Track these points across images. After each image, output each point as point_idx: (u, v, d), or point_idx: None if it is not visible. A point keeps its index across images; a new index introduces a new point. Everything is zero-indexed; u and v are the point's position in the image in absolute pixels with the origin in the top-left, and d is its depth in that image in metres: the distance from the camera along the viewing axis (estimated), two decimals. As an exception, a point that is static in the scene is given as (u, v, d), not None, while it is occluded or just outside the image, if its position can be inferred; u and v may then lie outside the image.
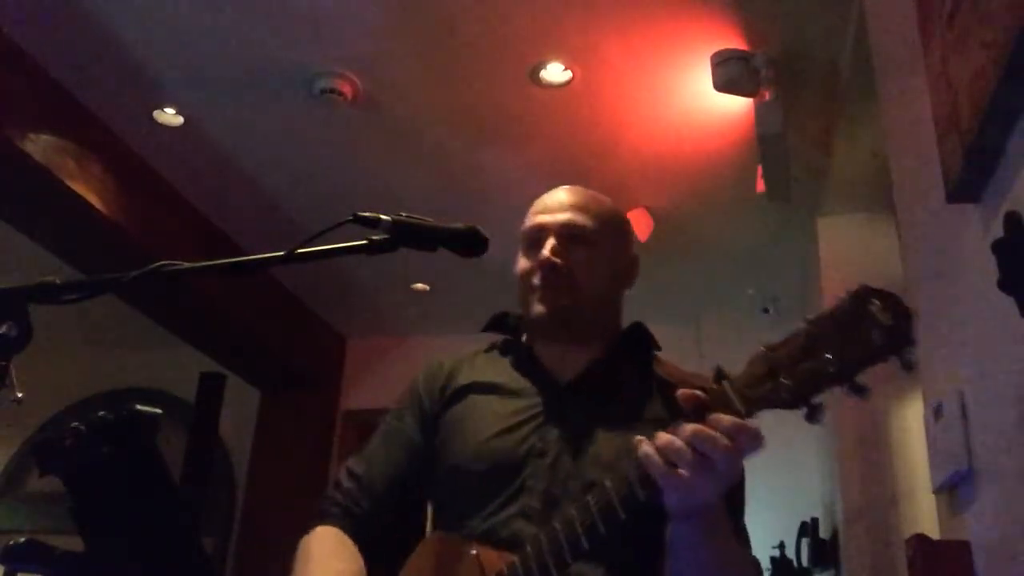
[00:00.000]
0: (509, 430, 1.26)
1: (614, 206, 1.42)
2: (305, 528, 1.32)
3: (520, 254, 1.39)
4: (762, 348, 0.94)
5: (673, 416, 1.21)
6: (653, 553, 1.14)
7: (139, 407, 0.79)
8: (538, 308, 1.30)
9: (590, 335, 1.34)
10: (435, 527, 1.30)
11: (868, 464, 3.14)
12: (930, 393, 1.68)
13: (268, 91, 3.11)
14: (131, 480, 0.79)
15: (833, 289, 3.37)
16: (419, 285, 4.52)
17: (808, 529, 3.64)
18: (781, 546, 3.67)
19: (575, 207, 1.36)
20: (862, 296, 0.89)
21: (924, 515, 2.64)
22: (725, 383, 0.96)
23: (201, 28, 2.83)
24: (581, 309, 1.30)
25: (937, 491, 1.65)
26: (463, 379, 1.36)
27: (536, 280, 1.31)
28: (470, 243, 1.23)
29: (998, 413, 1.33)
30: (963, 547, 1.45)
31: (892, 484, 3.05)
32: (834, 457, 3.34)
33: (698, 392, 0.97)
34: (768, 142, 2.83)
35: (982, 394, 1.40)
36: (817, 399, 0.91)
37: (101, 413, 0.78)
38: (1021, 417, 1.24)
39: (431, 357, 1.46)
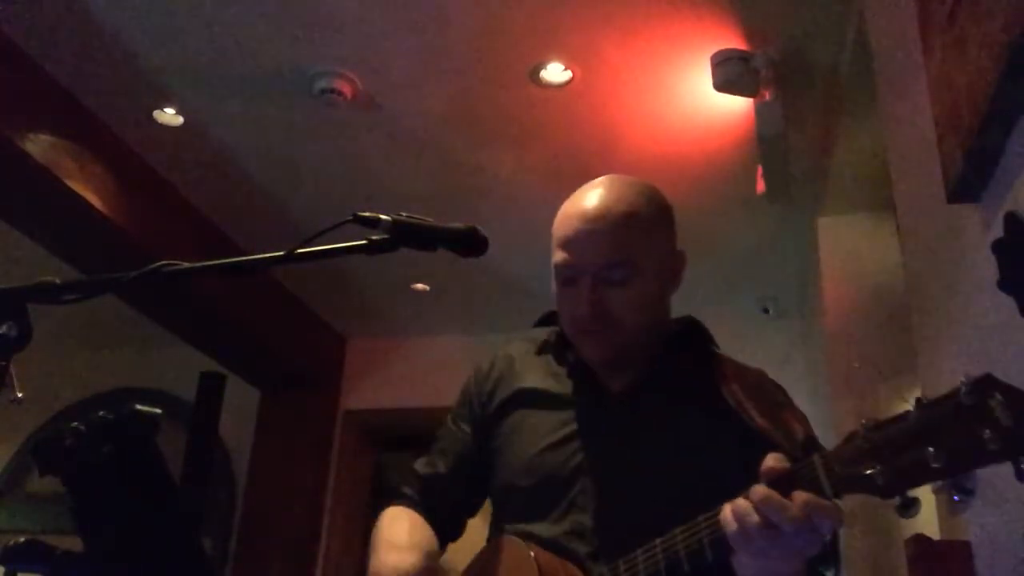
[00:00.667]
0: (557, 444, 1.25)
1: (652, 197, 1.32)
2: (376, 511, 1.38)
3: (554, 282, 1.30)
4: (863, 425, 0.87)
5: (724, 423, 1.18)
6: None
7: (139, 407, 0.79)
8: (589, 352, 1.28)
9: (637, 356, 1.29)
10: (490, 534, 1.32)
11: (868, 464, 3.14)
12: (930, 393, 1.68)
13: (268, 91, 3.11)
14: (131, 480, 0.79)
15: (833, 289, 3.37)
16: (419, 285, 4.52)
17: (808, 529, 3.63)
18: (781, 546, 3.66)
19: (609, 241, 1.23)
20: (984, 386, 0.79)
21: (924, 515, 2.64)
22: (816, 459, 0.90)
23: (201, 28, 2.83)
24: (630, 345, 1.26)
25: (937, 491, 1.65)
26: (515, 384, 1.35)
27: (579, 321, 1.25)
28: (470, 243, 1.23)
29: (998, 413, 1.32)
30: (963, 547, 1.45)
31: (892, 484, 3.04)
32: (834, 457, 3.33)
33: (782, 462, 0.92)
34: (768, 142, 2.83)
35: (982, 394, 1.40)
36: (913, 493, 0.84)
37: (101, 413, 0.78)
38: (1021, 417, 1.23)
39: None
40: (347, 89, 3.04)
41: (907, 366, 2.04)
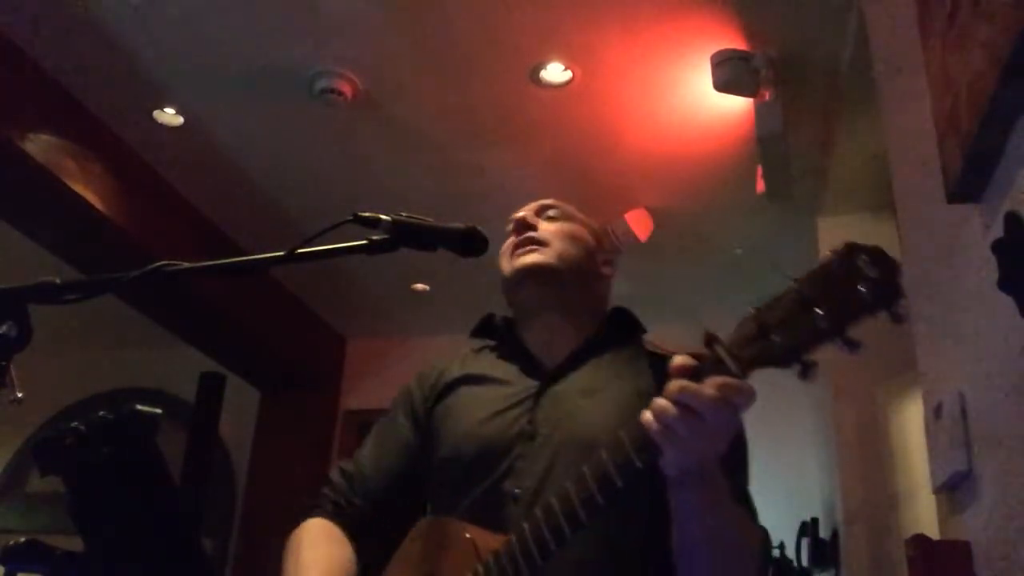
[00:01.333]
0: (498, 414, 1.28)
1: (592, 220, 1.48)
2: (295, 522, 1.34)
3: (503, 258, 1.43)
4: (751, 309, 0.95)
5: (659, 386, 1.24)
6: (648, 527, 1.15)
7: (139, 407, 0.79)
8: (517, 261, 1.35)
9: (570, 309, 1.36)
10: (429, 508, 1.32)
11: (868, 464, 3.14)
12: (930, 393, 1.68)
13: (268, 91, 3.11)
14: (131, 480, 0.79)
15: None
16: (419, 285, 4.52)
17: (808, 529, 3.64)
18: (781, 546, 3.67)
19: (551, 199, 1.44)
20: (849, 252, 0.90)
21: (924, 515, 2.64)
22: (716, 346, 0.96)
23: (201, 28, 2.83)
24: (557, 271, 1.34)
25: (937, 491, 1.65)
26: (454, 373, 1.39)
27: (511, 241, 1.37)
28: (470, 243, 1.23)
29: (998, 413, 1.33)
30: (963, 547, 1.45)
31: (892, 484, 3.05)
32: (834, 457, 3.34)
33: (689, 359, 0.97)
34: (768, 142, 2.83)
35: (982, 394, 1.40)
36: (810, 356, 0.90)
37: (101, 413, 0.78)
38: (1021, 417, 1.24)
39: (431, 358, 1.48)
40: (347, 89, 3.04)
41: (907, 366, 2.04)
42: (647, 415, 0.97)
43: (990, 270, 1.22)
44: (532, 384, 1.31)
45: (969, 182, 1.36)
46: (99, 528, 0.80)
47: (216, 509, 4.84)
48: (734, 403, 0.93)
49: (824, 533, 3.61)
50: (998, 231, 1.22)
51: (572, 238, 1.38)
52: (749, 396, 0.94)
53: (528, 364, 1.35)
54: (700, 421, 0.93)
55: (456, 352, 1.47)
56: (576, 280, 1.36)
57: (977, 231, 1.38)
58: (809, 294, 0.91)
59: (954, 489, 1.56)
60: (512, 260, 1.36)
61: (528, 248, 1.35)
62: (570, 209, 1.44)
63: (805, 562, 3.62)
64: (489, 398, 1.31)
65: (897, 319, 0.87)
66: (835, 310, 0.88)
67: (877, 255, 0.89)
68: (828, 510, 3.68)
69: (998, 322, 1.28)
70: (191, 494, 4.01)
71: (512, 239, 1.38)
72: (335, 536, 1.29)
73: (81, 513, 0.80)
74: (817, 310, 0.89)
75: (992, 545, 1.37)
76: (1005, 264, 1.19)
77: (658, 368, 1.26)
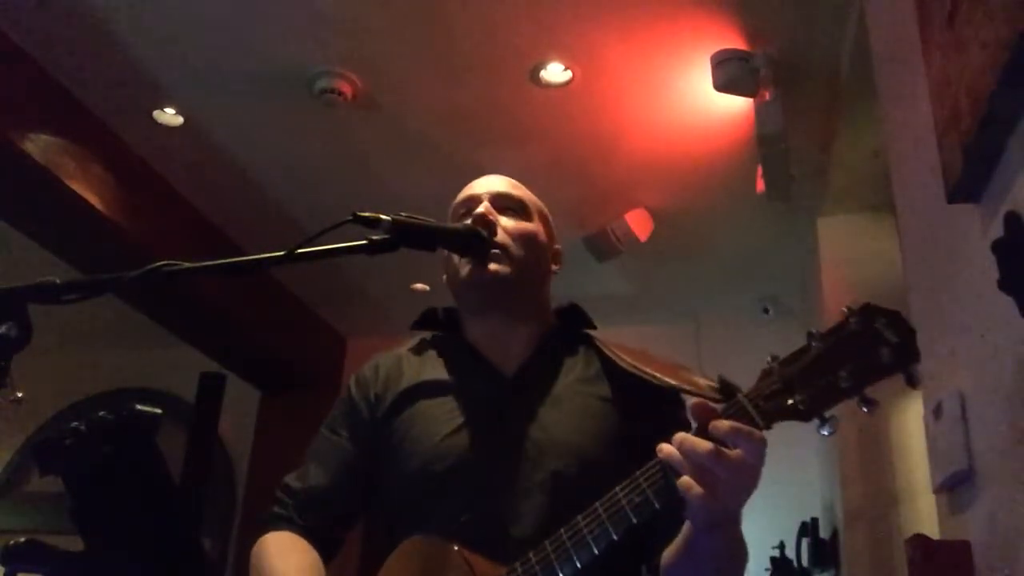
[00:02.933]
0: (464, 427, 1.24)
1: (541, 204, 1.44)
2: (252, 541, 1.30)
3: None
4: (772, 363, 0.98)
5: (625, 399, 1.24)
6: (647, 551, 1.15)
7: (139, 407, 0.79)
8: (468, 270, 1.29)
9: (523, 312, 1.34)
10: (386, 535, 1.25)
11: (868, 464, 3.14)
12: (930, 393, 1.68)
13: (268, 91, 3.11)
14: (131, 480, 0.79)
15: (833, 289, 3.37)
16: (419, 285, 4.52)
17: (808, 529, 3.64)
18: (781, 546, 3.67)
19: (506, 184, 1.40)
20: (868, 314, 0.95)
21: (924, 515, 2.64)
22: (740, 397, 0.98)
23: (201, 28, 2.83)
24: (514, 282, 1.30)
25: (937, 491, 1.65)
26: (405, 382, 1.33)
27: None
28: (470, 243, 1.23)
29: (998, 413, 1.33)
30: (963, 547, 1.45)
31: (892, 484, 3.05)
32: (834, 457, 3.34)
33: (712, 406, 0.97)
34: (768, 142, 2.83)
35: (982, 394, 1.40)
36: (830, 412, 0.95)
37: (101, 413, 0.78)
38: (1021, 417, 1.24)
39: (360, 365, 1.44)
40: (347, 89, 3.04)
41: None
42: (669, 449, 0.96)
43: (990, 270, 1.22)
44: (490, 391, 1.28)
45: (969, 182, 1.36)
46: (99, 528, 0.80)
47: (216, 509, 4.84)
48: (761, 457, 0.94)
49: (824, 533, 3.61)
50: (998, 231, 1.22)
51: (530, 241, 1.34)
52: (762, 447, 0.95)
53: (483, 369, 1.31)
54: (727, 460, 0.93)
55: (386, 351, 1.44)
56: (529, 283, 1.34)
57: (977, 231, 1.38)
58: (831, 353, 0.96)
59: (954, 489, 1.56)
60: (471, 266, 1.30)
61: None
62: (525, 197, 1.39)
63: (805, 562, 3.62)
64: (449, 408, 1.26)
65: (912, 382, 0.94)
66: (856, 371, 0.94)
67: (895, 319, 0.95)
68: (828, 510, 3.68)
69: (998, 322, 1.28)
70: (191, 494, 4.00)
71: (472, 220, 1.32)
72: (302, 546, 1.25)
73: (81, 513, 0.80)
74: (840, 371, 0.94)
75: (992, 545, 1.37)
76: (1005, 264, 1.19)
77: (613, 371, 1.27)
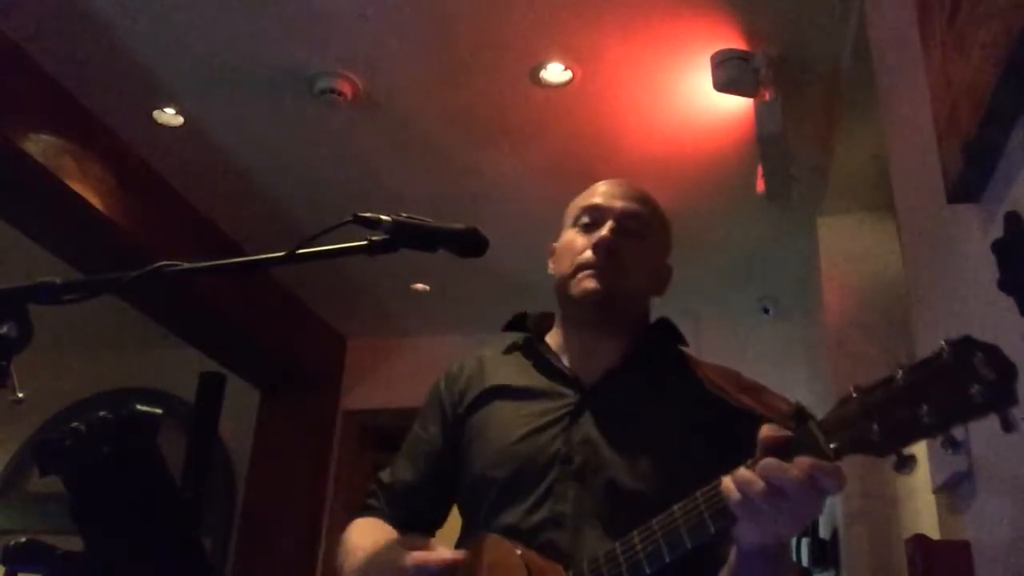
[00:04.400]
0: (534, 433, 1.24)
1: (664, 212, 1.42)
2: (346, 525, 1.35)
3: (569, 228, 1.38)
4: (854, 389, 0.91)
5: (705, 421, 1.21)
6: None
7: (139, 407, 0.80)
8: (589, 284, 1.28)
9: (617, 327, 1.33)
10: (463, 528, 1.30)
11: (868, 464, 3.14)
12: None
13: (268, 91, 3.11)
14: (131, 480, 0.79)
15: (833, 289, 3.37)
16: (419, 285, 4.52)
17: (808, 529, 3.64)
18: (781, 546, 3.66)
19: (636, 199, 1.38)
20: (965, 347, 0.86)
21: (924, 515, 2.64)
22: (812, 425, 0.93)
23: (201, 28, 2.83)
24: (625, 298, 1.31)
25: (937, 491, 1.65)
26: (486, 382, 1.35)
27: (588, 257, 1.30)
28: (470, 243, 1.23)
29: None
30: (963, 547, 1.45)
31: (892, 484, 3.05)
32: (834, 457, 3.33)
33: (784, 432, 0.94)
34: (768, 142, 2.83)
35: (982, 394, 1.40)
36: (908, 449, 0.88)
37: (101, 413, 0.79)
38: (1021, 417, 1.23)
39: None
40: (347, 89, 3.04)
41: (907, 366, 2.04)
42: (728, 483, 0.93)
43: (990, 270, 1.22)
44: (568, 399, 1.27)
45: (969, 182, 1.36)
46: (99, 528, 0.80)
47: (216, 509, 4.84)
48: (824, 488, 0.90)
49: (824, 533, 3.61)
50: (998, 231, 1.22)
51: (646, 268, 1.34)
52: (841, 482, 0.90)
53: (564, 378, 1.31)
54: (784, 501, 0.89)
55: (458, 351, 1.46)
56: (630, 300, 1.34)
57: (977, 231, 1.38)
58: (918, 385, 0.87)
59: (954, 489, 1.56)
60: (585, 281, 1.29)
61: (603, 270, 1.29)
62: (651, 216, 1.37)
63: (805, 562, 3.62)
64: (524, 414, 1.27)
65: (1008, 427, 0.83)
66: (943, 408, 0.85)
67: (994, 355, 0.85)
68: (828, 510, 3.68)
69: (998, 322, 1.28)
70: (191, 494, 4.00)
71: (589, 255, 1.30)
72: (387, 528, 1.30)
73: (81, 513, 0.80)
74: (925, 405, 0.86)
75: (992, 545, 1.37)
76: (1005, 264, 1.19)
77: (697, 393, 1.25)
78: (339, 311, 4.95)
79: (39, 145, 3.06)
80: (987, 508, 1.39)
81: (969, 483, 1.46)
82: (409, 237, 1.11)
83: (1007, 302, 1.18)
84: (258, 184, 3.73)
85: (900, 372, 0.88)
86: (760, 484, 0.90)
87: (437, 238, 1.19)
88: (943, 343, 0.87)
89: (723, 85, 2.81)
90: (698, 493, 0.99)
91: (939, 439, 0.86)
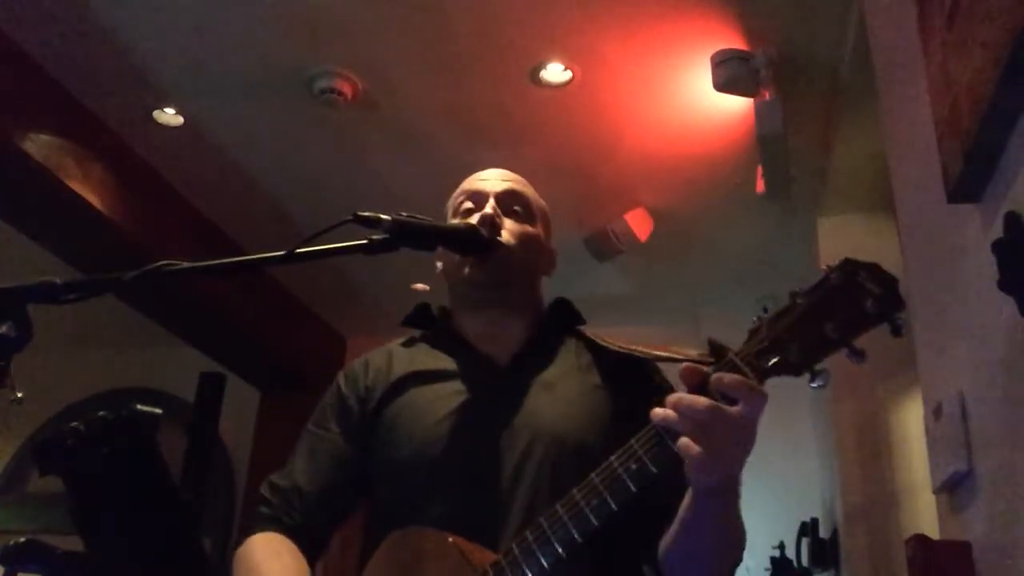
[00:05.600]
0: (456, 412, 1.24)
1: (541, 200, 1.47)
2: (238, 542, 1.28)
3: (451, 219, 1.40)
4: (759, 320, 1.00)
5: (616, 383, 1.26)
6: (644, 528, 1.15)
7: (139, 407, 0.80)
8: (470, 271, 1.30)
9: (513, 306, 1.35)
10: (377, 525, 1.24)
11: (868, 464, 3.14)
12: (930, 393, 1.68)
13: (268, 91, 3.11)
14: (131, 480, 0.79)
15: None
16: (419, 285, 4.52)
17: (808, 529, 3.64)
18: (781, 546, 3.67)
19: (515, 180, 1.44)
20: (849, 268, 0.96)
21: (924, 515, 2.64)
22: (731, 355, 0.98)
23: (201, 28, 2.83)
24: (514, 275, 1.33)
25: (937, 491, 1.65)
26: (395, 374, 1.33)
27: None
28: (470, 243, 1.24)
29: (998, 413, 1.33)
30: (963, 547, 1.45)
31: (892, 484, 3.05)
32: (834, 457, 3.34)
33: (702, 367, 0.98)
34: (768, 142, 2.83)
35: (982, 394, 1.40)
36: (820, 365, 0.97)
37: (101, 413, 0.79)
38: (1021, 417, 1.24)
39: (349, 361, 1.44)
40: (347, 89, 3.04)
41: (907, 366, 2.04)
42: (663, 412, 0.96)
43: (990, 270, 1.22)
44: (484, 379, 1.28)
45: (969, 182, 1.36)
46: (99, 528, 0.80)
47: (216, 509, 4.84)
48: (733, 396, 0.94)
49: (824, 533, 3.61)
50: (998, 231, 1.22)
51: (531, 245, 1.36)
52: (763, 400, 0.95)
53: (472, 357, 1.31)
54: (724, 414, 0.93)
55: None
56: (526, 283, 1.37)
57: (977, 231, 1.38)
58: (816, 308, 0.97)
59: (954, 489, 1.56)
60: (472, 266, 1.31)
61: (489, 255, 1.30)
62: (530, 197, 1.42)
63: (805, 562, 3.62)
64: (442, 395, 1.26)
65: (897, 331, 0.94)
66: (843, 323, 0.95)
67: (875, 270, 0.96)
68: (828, 510, 3.68)
69: (998, 322, 1.28)
70: (191, 494, 4.00)
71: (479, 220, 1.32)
72: (288, 549, 1.23)
73: (81, 513, 0.80)
74: (827, 324, 0.95)
75: (992, 545, 1.37)
76: (1005, 264, 1.19)
77: (603, 361, 1.30)
78: (339, 311, 4.95)
79: (39, 145, 3.06)
80: (987, 508, 1.39)
81: (969, 483, 1.46)
82: (409, 236, 1.12)
83: (1007, 302, 1.18)
84: (258, 184, 3.73)
85: (797, 299, 0.98)
86: (704, 400, 0.94)
87: (437, 238, 1.19)
88: (826, 267, 0.98)
89: (723, 85, 2.81)
90: (632, 440, 1.00)
91: (844, 351, 0.95)
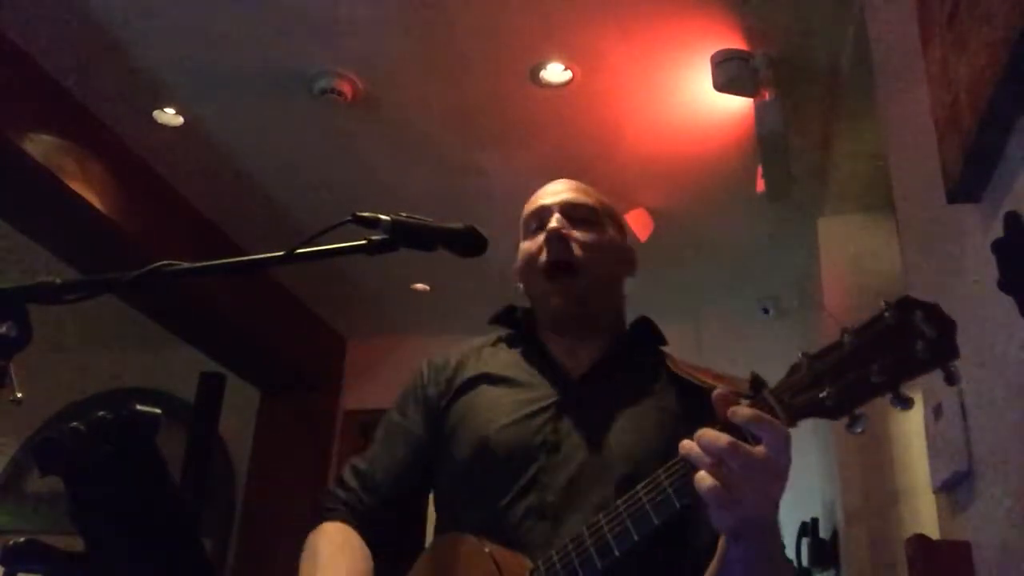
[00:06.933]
0: (521, 420, 1.24)
1: (608, 199, 1.44)
2: (311, 526, 1.30)
3: (523, 240, 1.39)
4: (803, 357, 0.93)
5: (686, 410, 1.23)
6: (684, 562, 1.12)
7: (139, 407, 0.79)
8: (557, 302, 1.30)
9: (599, 326, 1.34)
10: (439, 520, 1.27)
11: (868, 464, 3.14)
12: (930, 393, 1.68)
13: (268, 91, 3.11)
14: (131, 480, 0.79)
15: (833, 289, 3.37)
16: (419, 285, 4.52)
17: (808, 529, 3.64)
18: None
19: (575, 189, 1.41)
20: (906, 307, 0.90)
21: (924, 515, 2.64)
22: (766, 392, 0.94)
23: (201, 28, 2.83)
24: (592, 296, 1.31)
25: (937, 491, 1.65)
26: (472, 370, 1.34)
27: (543, 258, 1.31)
28: (470, 243, 1.23)
29: (998, 413, 1.33)
30: (963, 547, 1.45)
31: (892, 484, 3.05)
32: (834, 457, 3.34)
33: (732, 397, 0.94)
34: (768, 142, 2.83)
35: (982, 394, 1.40)
36: (860, 409, 0.90)
37: (101, 413, 0.78)
38: (1021, 417, 1.24)
39: (434, 353, 1.45)
40: (347, 89, 3.04)
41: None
42: (688, 442, 0.92)
43: (990, 270, 1.22)
44: (555, 389, 1.28)
45: (969, 182, 1.36)
46: (99, 528, 0.80)
47: (216, 509, 4.84)
48: (774, 437, 0.90)
49: (824, 533, 3.61)
50: (998, 231, 1.22)
51: (606, 251, 1.34)
52: (783, 437, 0.90)
53: (551, 369, 1.31)
54: (747, 457, 0.89)
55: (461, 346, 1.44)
56: (604, 295, 1.35)
57: (977, 231, 1.38)
58: (864, 347, 0.90)
59: (954, 489, 1.56)
60: (552, 297, 1.30)
61: (566, 279, 1.30)
62: (595, 203, 1.38)
63: (805, 562, 3.62)
64: (510, 401, 1.27)
65: (951, 380, 0.88)
66: (891, 366, 0.88)
67: (934, 312, 0.89)
68: (828, 510, 3.67)
69: (998, 322, 1.28)
70: (191, 494, 4.00)
71: (545, 256, 1.31)
72: (353, 546, 1.24)
73: (81, 513, 0.80)
74: (872, 365, 0.89)
75: (992, 545, 1.37)
76: (1005, 264, 1.19)
77: (678, 386, 1.27)
78: (339, 311, 4.95)
79: (39, 145, 3.06)
80: (987, 508, 1.39)
81: (969, 483, 1.46)
82: (408, 237, 1.11)
83: (1007, 302, 1.18)
84: (258, 184, 3.73)
85: (846, 336, 0.91)
86: (724, 439, 0.89)
87: (436, 238, 1.19)
88: (884, 303, 0.90)
89: (723, 85, 2.81)
90: (660, 471, 0.98)
91: (889, 397, 0.88)
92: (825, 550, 3.53)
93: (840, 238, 3.43)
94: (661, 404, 1.27)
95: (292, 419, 4.94)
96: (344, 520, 1.28)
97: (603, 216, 1.38)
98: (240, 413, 4.84)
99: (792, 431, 0.93)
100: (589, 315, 1.32)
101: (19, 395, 0.88)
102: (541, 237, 1.33)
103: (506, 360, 1.36)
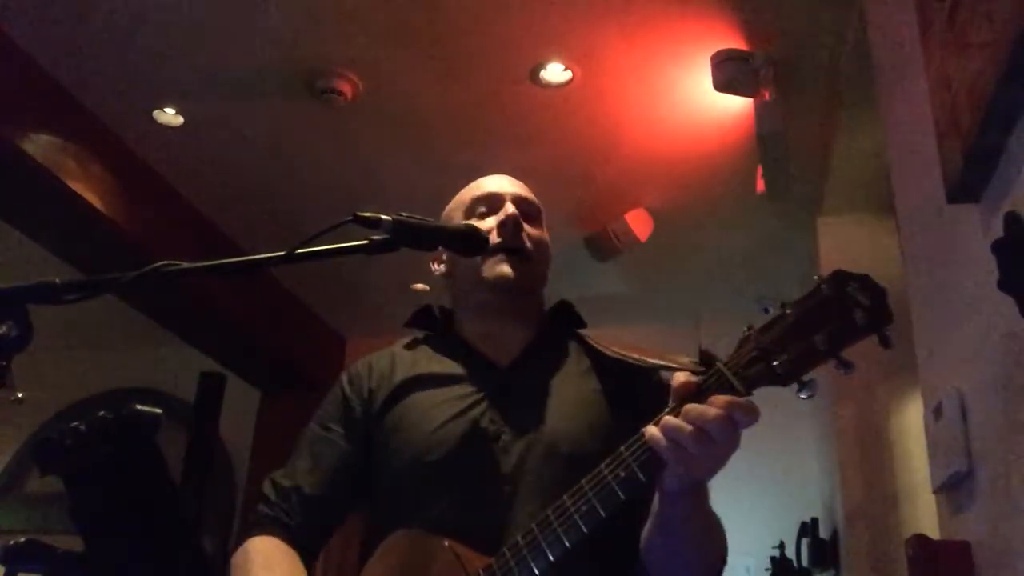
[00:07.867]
0: (457, 416, 1.24)
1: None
2: (238, 542, 1.28)
3: (464, 221, 1.37)
4: (749, 331, 1.00)
5: (619, 388, 1.27)
6: (629, 529, 1.16)
7: (139, 407, 0.79)
8: (504, 269, 1.31)
9: (522, 314, 1.37)
10: (376, 528, 1.24)
11: (868, 464, 3.14)
12: (930, 393, 1.68)
13: (268, 91, 3.11)
14: (131, 480, 0.79)
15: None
16: (419, 285, 4.52)
17: (808, 529, 3.64)
18: (781, 546, 3.67)
19: (522, 187, 1.45)
20: (839, 279, 0.98)
21: (924, 515, 2.64)
22: (719, 365, 1.00)
23: (201, 28, 2.83)
24: (535, 280, 1.36)
25: (937, 491, 1.65)
26: (399, 375, 1.34)
27: (497, 239, 1.32)
28: (470, 243, 1.24)
29: (998, 413, 1.33)
30: (963, 547, 1.45)
31: (892, 484, 3.05)
32: (834, 457, 3.34)
33: (693, 378, 0.99)
34: (768, 142, 2.83)
35: (982, 394, 1.40)
36: (809, 376, 0.97)
37: (101, 413, 0.78)
38: (1020, 417, 1.24)
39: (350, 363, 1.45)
40: (347, 89, 3.04)
41: (907, 366, 2.04)
42: (653, 431, 0.97)
43: (990, 270, 1.22)
44: (485, 382, 1.28)
45: (969, 182, 1.36)
46: (99, 528, 0.80)
47: (216, 509, 4.84)
48: (741, 422, 0.95)
49: (824, 533, 3.61)
50: (998, 231, 1.22)
51: (545, 252, 1.39)
52: (755, 414, 0.95)
53: (473, 360, 1.32)
54: (710, 440, 0.94)
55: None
56: (539, 288, 1.40)
57: (977, 231, 1.38)
58: (806, 319, 0.97)
59: (954, 489, 1.56)
60: (499, 266, 1.31)
61: (517, 258, 1.33)
62: (537, 202, 1.44)
63: (805, 562, 3.62)
64: (443, 399, 1.27)
65: (885, 343, 0.95)
66: (832, 334, 0.95)
67: (865, 282, 0.97)
68: (828, 510, 3.68)
69: (998, 322, 1.28)
70: (191, 494, 4.00)
71: (501, 239, 1.33)
72: (286, 558, 1.23)
73: (81, 513, 0.80)
74: (816, 335, 0.96)
75: (992, 545, 1.37)
76: (1005, 264, 1.19)
77: (602, 366, 1.31)
78: (339, 311, 4.95)
79: (39, 145, 3.06)
80: (987, 508, 1.39)
81: (969, 483, 1.46)
82: (409, 237, 1.11)
83: (1007, 302, 1.18)
84: (258, 184, 3.73)
85: (788, 308, 0.99)
86: (688, 428, 0.95)
87: (437, 238, 1.19)
88: (816, 278, 0.99)
89: (723, 85, 2.81)
90: (622, 448, 1.01)
91: (834, 363, 0.95)
92: (825, 550, 3.53)
93: (840, 238, 3.43)
94: (590, 385, 1.30)
95: (292, 419, 4.92)
96: (274, 535, 1.26)
97: (542, 217, 1.43)
98: (240, 413, 4.84)
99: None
100: (525, 297, 1.35)
101: (19, 395, 0.88)
102: (492, 220, 1.34)
103: (430, 360, 1.35)
